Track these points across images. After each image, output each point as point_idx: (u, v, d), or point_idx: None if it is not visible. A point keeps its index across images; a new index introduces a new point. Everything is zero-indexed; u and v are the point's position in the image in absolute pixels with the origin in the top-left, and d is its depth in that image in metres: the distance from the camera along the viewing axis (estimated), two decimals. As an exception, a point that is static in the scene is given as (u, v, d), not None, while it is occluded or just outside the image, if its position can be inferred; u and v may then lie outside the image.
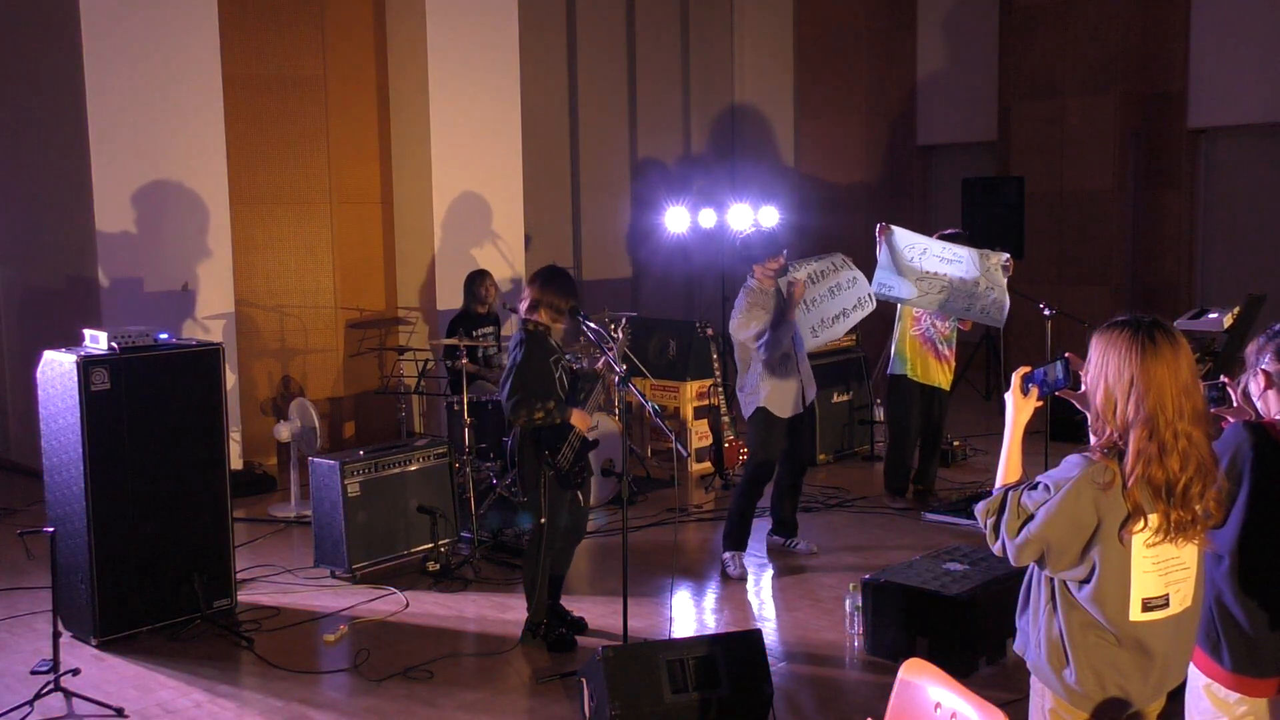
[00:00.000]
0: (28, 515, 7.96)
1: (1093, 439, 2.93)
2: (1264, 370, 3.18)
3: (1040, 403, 3.05)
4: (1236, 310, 8.93)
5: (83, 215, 8.58)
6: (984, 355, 11.83)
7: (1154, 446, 2.78)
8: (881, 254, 7.75)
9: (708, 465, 8.99)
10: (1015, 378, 3.04)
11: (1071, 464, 2.87)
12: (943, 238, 7.94)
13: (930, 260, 7.71)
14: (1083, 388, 2.97)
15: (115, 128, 8.51)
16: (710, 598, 6.62)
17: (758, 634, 5.03)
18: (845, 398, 9.66)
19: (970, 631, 5.37)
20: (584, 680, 4.89)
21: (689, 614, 6.40)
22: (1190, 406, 2.82)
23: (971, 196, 11.79)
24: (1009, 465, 3.04)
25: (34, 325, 9.36)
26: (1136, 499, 2.80)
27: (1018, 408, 3.03)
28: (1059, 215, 12.50)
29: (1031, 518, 2.87)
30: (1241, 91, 11.79)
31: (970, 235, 8.19)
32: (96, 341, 5.90)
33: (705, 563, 7.08)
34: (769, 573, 6.92)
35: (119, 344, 5.82)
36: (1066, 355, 3.07)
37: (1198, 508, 2.83)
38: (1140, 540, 2.83)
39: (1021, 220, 11.57)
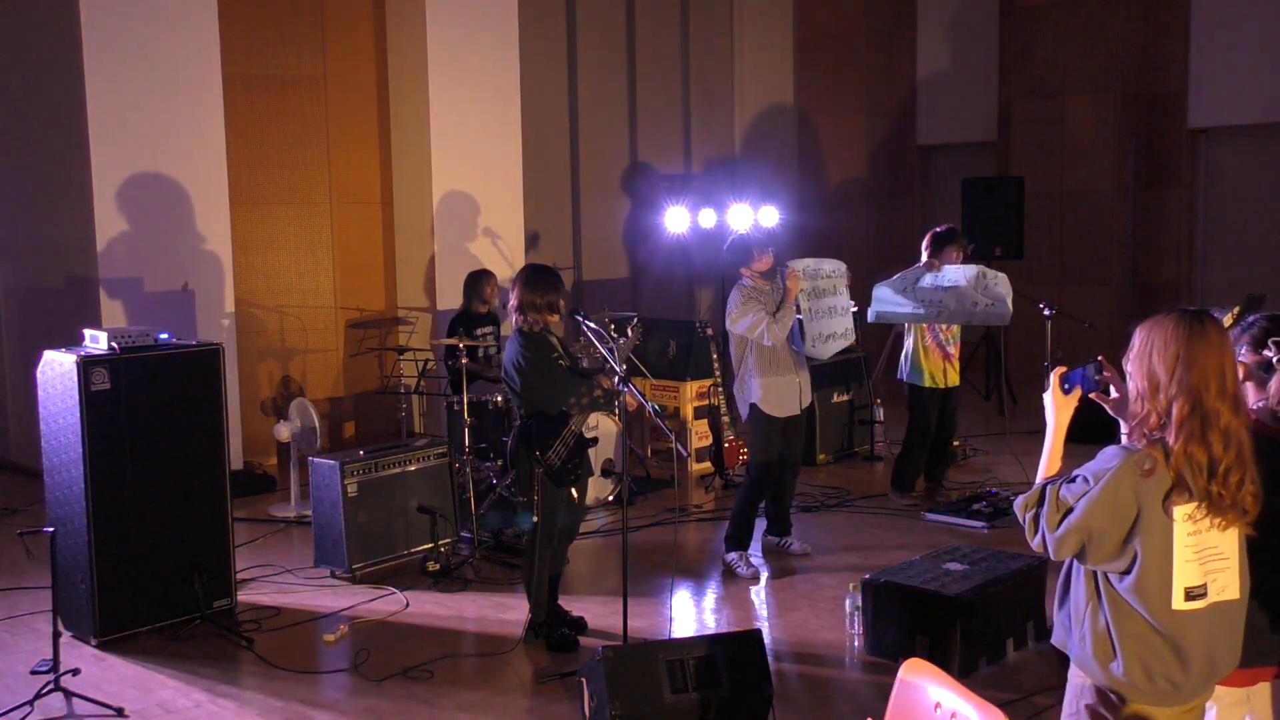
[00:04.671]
0: (28, 515, 7.96)
1: (1126, 431, 2.96)
2: (1240, 362, 3.21)
3: (1079, 402, 3.10)
4: (1236, 310, 8.89)
5: (83, 215, 8.58)
6: (984, 355, 11.82)
7: (1197, 419, 2.82)
8: (883, 288, 7.91)
9: (708, 465, 8.99)
10: (1053, 377, 3.10)
11: (1110, 454, 2.91)
12: (935, 236, 7.98)
13: (925, 283, 7.84)
14: (1114, 394, 3.01)
15: (115, 128, 8.51)
16: (710, 598, 6.62)
17: (758, 634, 5.02)
18: (845, 398, 9.66)
19: (970, 631, 5.36)
20: (584, 680, 4.89)
21: (689, 614, 6.40)
22: (1233, 392, 2.87)
23: (971, 196, 11.78)
24: (1049, 461, 3.09)
25: (34, 325, 9.36)
26: (1179, 471, 2.83)
27: (1058, 407, 3.09)
28: (1059, 215, 12.49)
29: (1071, 510, 2.89)
30: (1241, 91, 11.79)
31: (956, 232, 8.18)
32: (96, 341, 5.89)
33: (705, 563, 7.08)
34: (767, 573, 6.92)
35: (119, 344, 5.82)
36: (1100, 358, 3.10)
37: (1237, 495, 2.85)
38: (1182, 530, 2.85)
39: (1021, 220, 11.55)
